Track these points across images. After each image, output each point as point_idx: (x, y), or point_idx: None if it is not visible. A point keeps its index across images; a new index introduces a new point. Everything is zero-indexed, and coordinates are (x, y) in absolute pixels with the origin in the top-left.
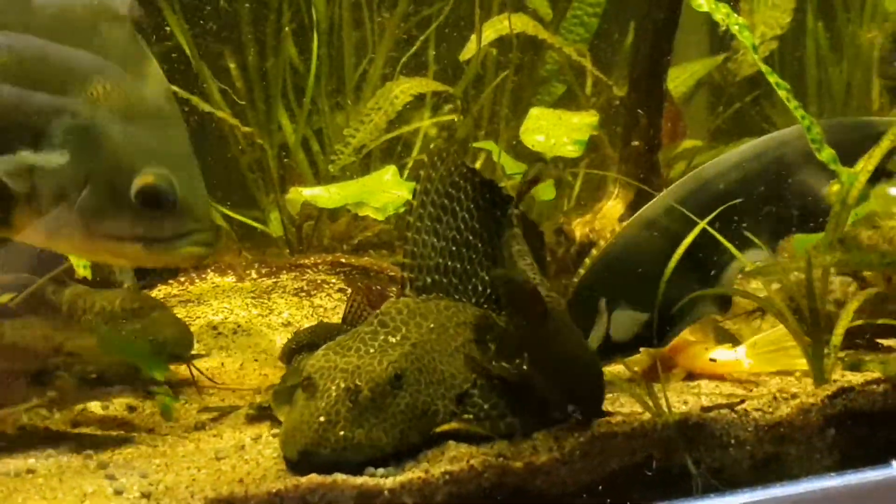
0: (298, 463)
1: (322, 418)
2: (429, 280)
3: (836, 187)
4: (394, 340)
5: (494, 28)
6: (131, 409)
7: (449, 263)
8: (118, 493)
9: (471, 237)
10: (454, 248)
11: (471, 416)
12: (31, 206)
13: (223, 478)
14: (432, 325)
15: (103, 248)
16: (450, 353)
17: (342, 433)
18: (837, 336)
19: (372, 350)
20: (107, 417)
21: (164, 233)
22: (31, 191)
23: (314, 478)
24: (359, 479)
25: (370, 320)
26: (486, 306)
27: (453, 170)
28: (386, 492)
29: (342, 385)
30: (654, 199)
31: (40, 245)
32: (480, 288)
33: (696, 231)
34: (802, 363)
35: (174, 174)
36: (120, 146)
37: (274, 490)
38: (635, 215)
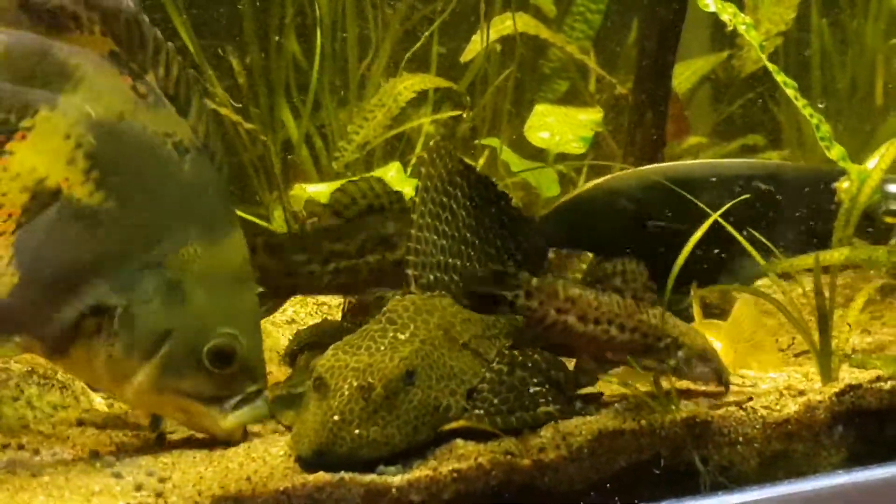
0: (313, 462)
1: (336, 417)
2: (431, 277)
3: (845, 184)
4: (403, 337)
5: (496, 28)
6: None
7: (450, 261)
8: (125, 491)
9: (468, 234)
10: (454, 246)
11: (481, 412)
12: (92, 343)
13: (230, 475)
14: (438, 322)
15: (168, 402)
16: (458, 350)
17: (357, 431)
18: (845, 333)
19: (382, 347)
20: (111, 415)
21: (224, 392)
22: (100, 329)
23: (322, 476)
24: (367, 477)
25: (378, 318)
26: None
27: (451, 167)
28: (394, 489)
29: (354, 384)
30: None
31: (89, 383)
32: None
33: (710, 222)
34: (775, 359)
35: (243, 337)
36: (202, 307)
37: (281, 488)
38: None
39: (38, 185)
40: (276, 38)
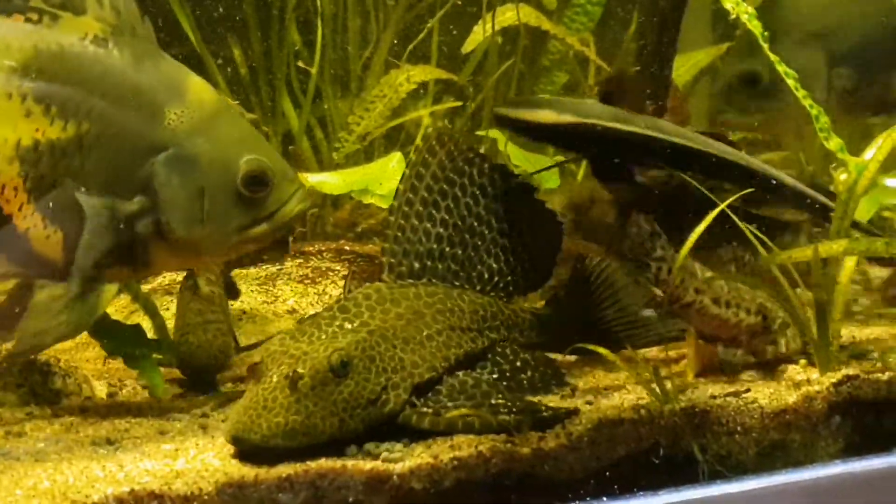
0: (233, 447)
1: (260, 404)
2: (416, 265)
3: (843, 176)
4: (349, 327)
5: (498, 19)
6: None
7: (447, 249)
8: (128, 477)
9: (475, 223)
10: (454, 234)
11: (427, 411)
12: (162, 240)
13: (233, 461)
14: (402, 312)
15: (239, 243)
16: (419, 341)
17: (276, 420)
18: (837, 321)
19: (324, 336)
20: (115, 403)
21: (276, 204)
22: (157, 228)
23: (323, 463)
24: (368, 464)
25: (331, 305)
26: (492, 293)
27: (456, 154)
28: (395, 477)
29: (284, 371)
30: None
31: (179, 269)
32: (486, 275)
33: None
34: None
35: (260, 153)
36: (213, 152)
37: (284, 474)
38: None
39: (19, 150)
40: (278, 29)
